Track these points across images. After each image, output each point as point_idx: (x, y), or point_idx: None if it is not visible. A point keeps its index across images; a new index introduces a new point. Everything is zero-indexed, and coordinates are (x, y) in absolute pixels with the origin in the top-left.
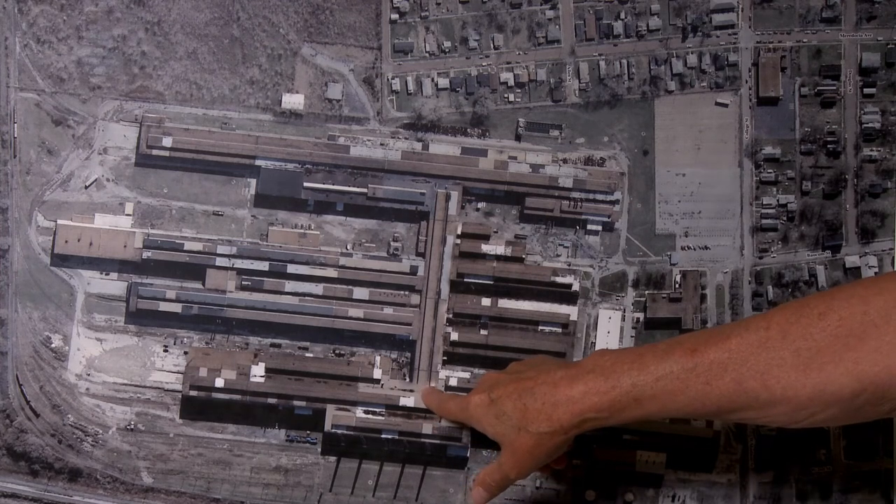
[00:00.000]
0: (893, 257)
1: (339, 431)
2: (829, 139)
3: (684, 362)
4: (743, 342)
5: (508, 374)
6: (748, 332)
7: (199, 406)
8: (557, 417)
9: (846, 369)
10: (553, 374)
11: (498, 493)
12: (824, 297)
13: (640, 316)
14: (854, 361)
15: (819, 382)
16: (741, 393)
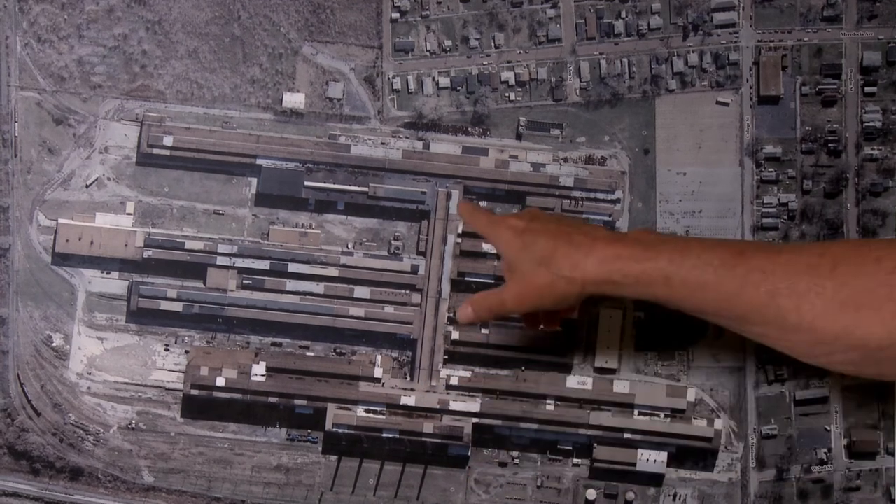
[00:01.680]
0: None
1: (340, 431)
2: (830, 138)
3: (728, 258)
4: (792, 259)
5: (552, 214)
6: (801, 252)
7: (201, 405)
8: (584, 267)
9: (882, 318)
10: (596, 229)
11: (486, 318)
12: (887, 244)
13: (642, 315)
14: (893, 314)
15: (851, 322)
16: (772, 307)
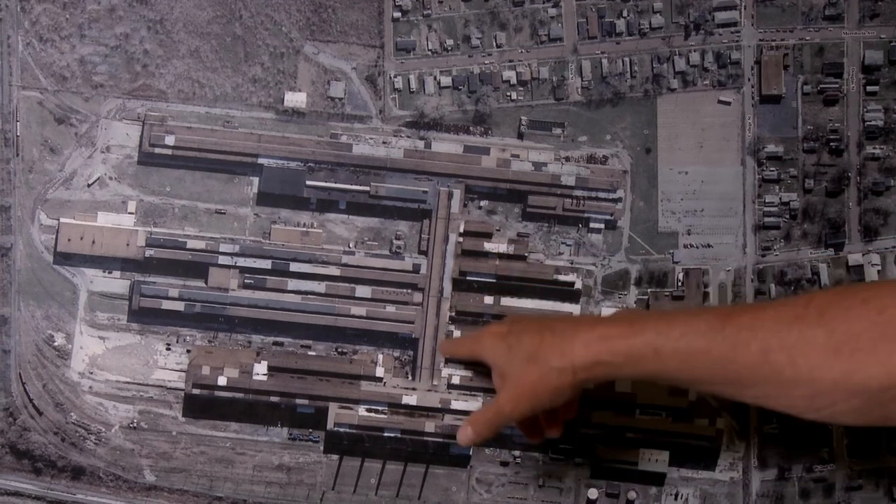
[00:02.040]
0: None
1: (341, 430)
2: (831, 137)
3: (714, 322)
4: (778, 314)
5: (532, 315)
6: (785, 306)
7: (202, 404)
8: (572, 353)
9: (879, 360)
10: (578, 318)
11: (487, 434)
12: (872, 285)
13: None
14: (888, 354)
15: (848, 369)
16: (765, 365)
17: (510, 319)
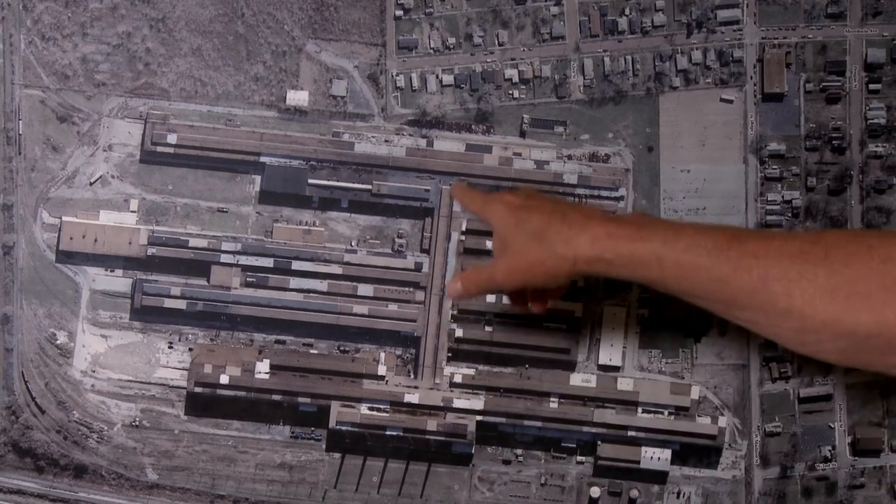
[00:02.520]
0: None
1: (343, 428)
2: (834, 135)
3: (721, 241)
4: (785, 245)
5: (548, 194)
6: (794, 238)
7: (204, 402)
8: (576, 244)
9: (871, 308)
10: (591, 209)
11: (475, 292)
12: (882, 234)
13: (646, 313)
14: (882, 303)
15: (840, 310)
16: (762, 292)
17: (525, 193)
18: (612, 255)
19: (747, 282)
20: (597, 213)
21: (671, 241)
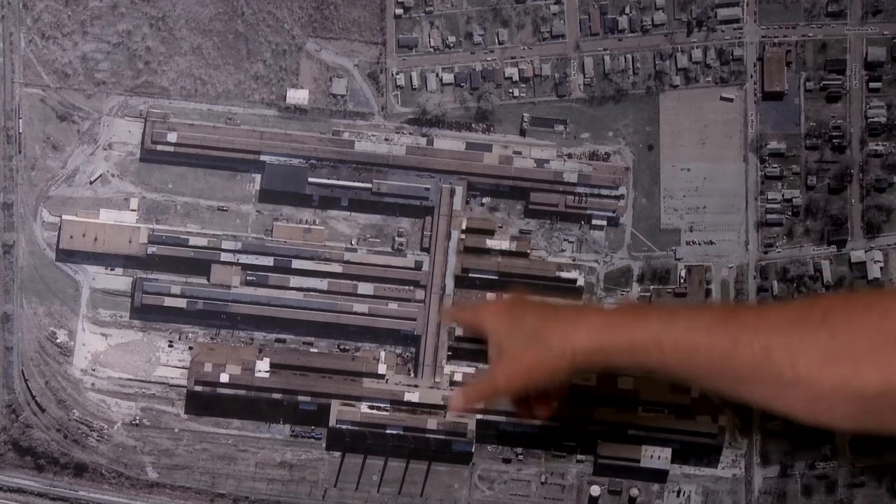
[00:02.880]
0: None
1: (343, 427)
2: (834, 134)
3: (718, 317)
4: (783, 314)
5: (536, 297)
6: (790, 307)
7: (204, 401)
8: (574, 338)
9: (877, 366)
10: (584, 305)
11: (476, 402)
12: (877, 292)
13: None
14: (888, 360)
15: (847, 373)
16: (766, 364)
17: (513, 297)
18: (609, 344)
19: (750, 355)
20: (590, 307)
21: (668, 323)
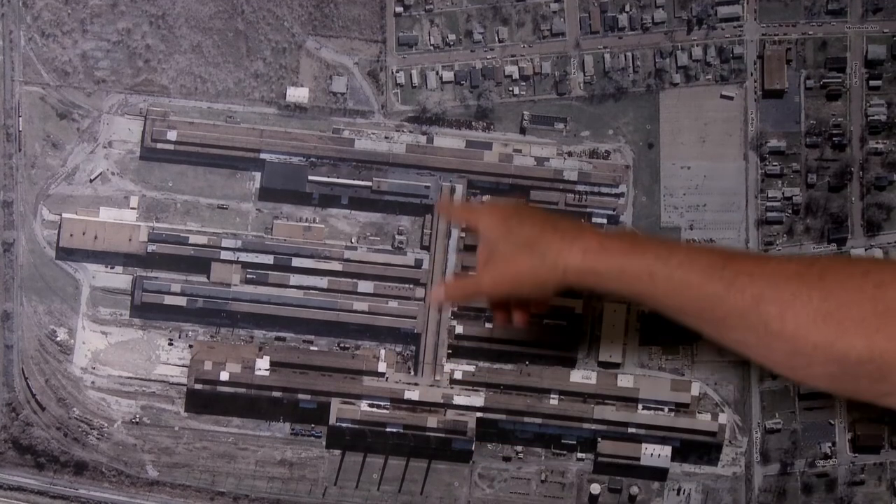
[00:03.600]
0: None
1: (343, 425)
2: (834, 132)
3: (716, 260)
4: (780, 267)
5: (538, 206)
6: (790, 261)
7: (204, 399)
8: (568, 253)
9: (864, 333)
10: (583, 223)
11: (459, 299)
12: (877, 262)
13: (646, 310)
14: (875, 329)
15: (833, 335)
16: (755, 312)
17: (516, 204)
18: (603, 268)
19: (740, 301)
20: (589, 226)
21: (664, 256)
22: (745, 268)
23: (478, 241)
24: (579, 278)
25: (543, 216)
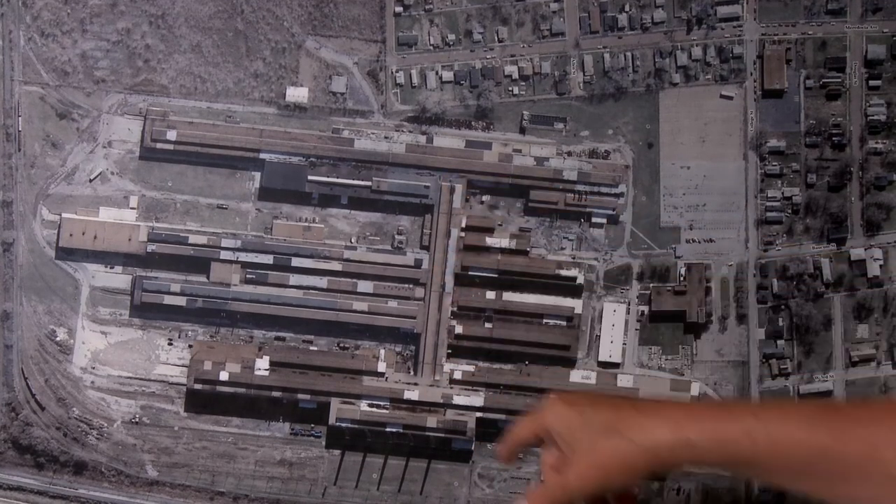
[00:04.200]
0: None
1: (343, 425)
2: (834, 131)
3: (815, 412)
4: (883, 410)
5: (601, 391)
6: (890, 402)
7: (204, 399)
8: (654, 429)
9: None
10: (658, 397)
11: None
12: None
13: (645, 309)
14: None
15: None
16: (871, 460)
17: (577, 392)
18: (696, 436)
19: (853, 449)
20: (667, 399)
21: (762, 414)
22: (850, 411)
23: (544, 446)
24: (672, 454)
25: (616, 397)
